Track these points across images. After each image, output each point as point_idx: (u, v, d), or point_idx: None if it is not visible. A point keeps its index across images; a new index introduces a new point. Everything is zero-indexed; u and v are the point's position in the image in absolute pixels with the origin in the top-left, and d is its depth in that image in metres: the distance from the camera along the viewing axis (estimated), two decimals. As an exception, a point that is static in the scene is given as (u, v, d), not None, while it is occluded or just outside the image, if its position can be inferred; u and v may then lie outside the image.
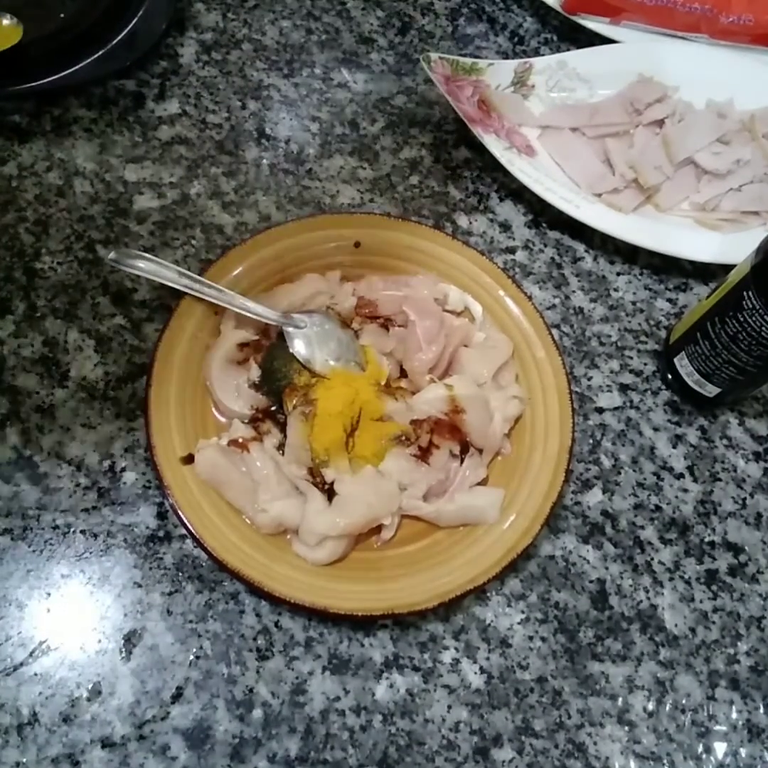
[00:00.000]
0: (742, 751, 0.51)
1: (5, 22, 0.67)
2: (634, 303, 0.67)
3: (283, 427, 0.54)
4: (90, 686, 0.48)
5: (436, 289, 0.60)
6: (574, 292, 0.67)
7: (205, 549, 0.49)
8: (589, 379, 0.63)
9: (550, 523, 0.56)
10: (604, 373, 0.64)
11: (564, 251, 0.69)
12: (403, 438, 0.54)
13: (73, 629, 0.50)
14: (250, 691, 0.49)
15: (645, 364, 0.65)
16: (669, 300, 0.68)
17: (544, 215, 0.70)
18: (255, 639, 0.51)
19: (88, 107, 0.69)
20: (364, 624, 0.52)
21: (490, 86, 0.72)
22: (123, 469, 0.55)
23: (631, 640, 0.54)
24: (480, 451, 0.56)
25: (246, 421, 0.55)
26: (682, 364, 0.60)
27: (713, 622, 0.55)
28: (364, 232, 0.61)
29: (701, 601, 0.56)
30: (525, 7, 0.83)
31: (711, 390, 0.59)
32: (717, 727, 0.52)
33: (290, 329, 0.56)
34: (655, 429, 0.62)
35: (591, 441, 0.61)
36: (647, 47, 0.77)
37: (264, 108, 0.72)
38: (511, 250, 0.68)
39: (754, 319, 0.51)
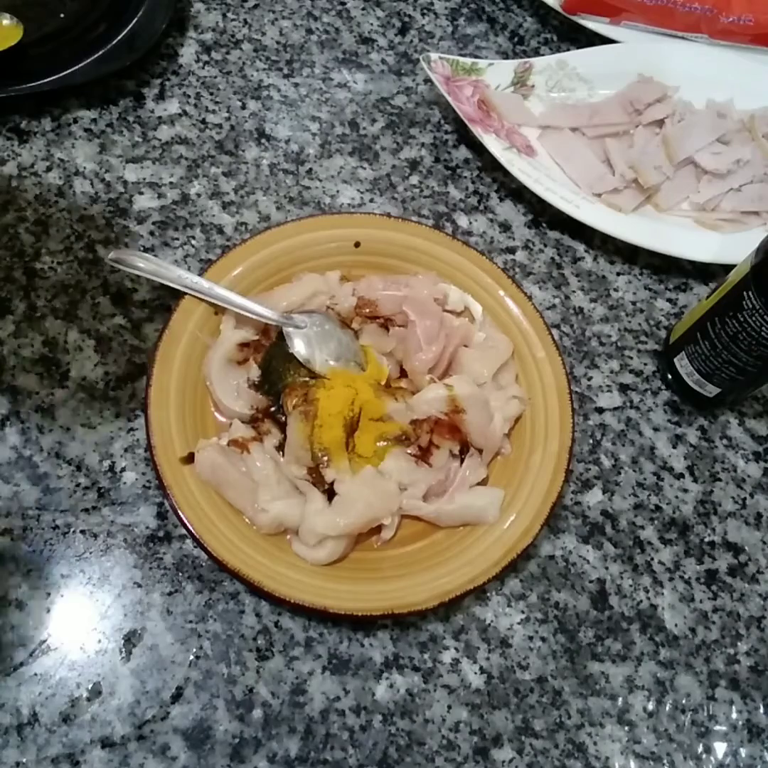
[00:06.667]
0: (742, 751, 0.51)
1: (5, 22, 0.67)
2: (634, 303, 0.67)
3: (283, 427, 0.54)
4: (90, 686, 0.48)
5: (436, 289, 0.60)
6: (574, 292, 0.67)
7: (205, 549, 0.49)
8: (589, 379, 0.63)
9: (550, 523, 0.56)
10: (604, 373, 0.64)
11: (564, 251, 0.69)
12: (403, 438, 0.54)
13: (73, 629, 0.50)
14: (250, 691, 0.49)
15: (645, 364, 0.65)
16: (669, 300, 0.68)
17: (544, 215, 0.70)
18: (255, 639, 0.51)
19: (88, 107, 0.69)
20: (364, 624, 0.52)
21: (489, 86, 0.72)
22: (123, 469, 0.55)
23: (631, 640, 0.54)
24: (480, 451, 0.56)
25: (246, 421, 0.55)
26: (682, 364, 0.60)
27: (713, 622, 0.55)
28: (364, 232, 0.61)
29: (701, 601, 0.56)
30: (525, 7, 0.83)
31: (711, 390, 0.59)
32: (717, 727, 0.52)
33: (290, 329, 0.56)
34: (655, 429, 0.62)
35: (591, 441, 0.61)
36: (647, 47, 0.77)
37: (264, 108, 0.72)
38: (511, 250, 0.68)
39: (754, 319, 0.51)
